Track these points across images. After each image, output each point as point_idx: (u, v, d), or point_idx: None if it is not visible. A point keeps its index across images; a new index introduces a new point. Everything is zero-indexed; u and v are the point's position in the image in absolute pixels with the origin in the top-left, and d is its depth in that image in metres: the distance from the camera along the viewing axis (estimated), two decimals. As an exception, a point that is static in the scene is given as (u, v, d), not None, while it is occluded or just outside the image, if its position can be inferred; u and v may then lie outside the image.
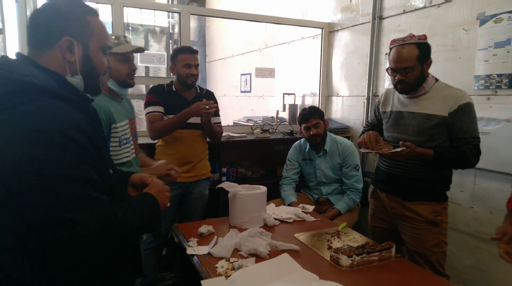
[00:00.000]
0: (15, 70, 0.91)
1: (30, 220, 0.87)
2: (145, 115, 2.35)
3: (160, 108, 2.35)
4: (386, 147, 1.76)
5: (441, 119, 1.79)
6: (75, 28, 0.99)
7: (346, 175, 2.68)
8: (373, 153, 1.83)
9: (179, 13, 3.04)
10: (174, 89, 2.45)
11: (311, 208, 2.29)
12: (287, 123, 3.64)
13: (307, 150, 2.78)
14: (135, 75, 1.82)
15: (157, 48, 7.17)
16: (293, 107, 4.05)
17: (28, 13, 2.56)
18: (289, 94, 4.38)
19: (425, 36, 1.80)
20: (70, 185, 0.87)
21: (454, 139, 1.80)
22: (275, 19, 4.21)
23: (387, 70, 1.89)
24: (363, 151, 1.84)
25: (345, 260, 1.47)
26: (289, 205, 2.55)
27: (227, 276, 1.38)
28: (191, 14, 3.15)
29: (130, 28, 6.82)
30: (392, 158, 1.84)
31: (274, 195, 2.78)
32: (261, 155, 3.39)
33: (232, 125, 3.71)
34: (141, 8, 2.94)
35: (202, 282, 1.22)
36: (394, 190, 1.95)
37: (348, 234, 1.86)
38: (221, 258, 1.56)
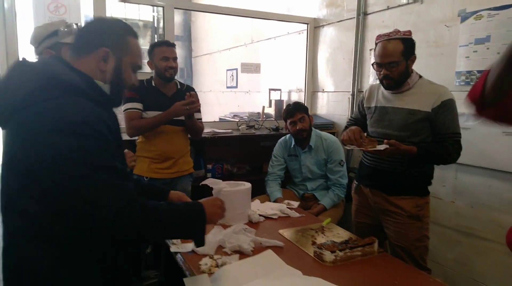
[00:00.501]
0: (48, 68, 1.02)
1: (54, 204, 0.95)
2: (123, 111, 2.31)
3: (138, 105, 2.31)
4: (370, 144, 1.77)
5: (424, 114, 1.81)
6: (114, 43, 1.10)
7: (331, 170, 2.70)
8: (358, 149, 1.84)
9: (163, 7, 2.99)
10: (153, 84, 2.41)
11: (296, 204, 2.30)
12: (273, 119, 3.63)
13: (292, 146, 2.78)
14: None
15: (141, 43, 7.05)
16: (279, 102, 4.04)
17: (6, 6, 2.49)
18: (275, 89, 4.38)
19: (410, 32, 1.81)
20: (95, 171, 0.94)
21: (436, 134, 1.82)
22: (261, 14, 4.18)
23: (372, 65, 1.89)
24: (348, 148, 1.85)
25: (328, 256, 1.48)
26: (275, 201, 2.55)
27: (210, 274, 1.38)
28: (175, 8, 3.12)
29: (114, 22, 6.70)
30: (378, 155, 1.85)
31: (260, 191, 2.77)
32: (247, 151, 3.38)
33: (217, 121, 3.69)
34: (124, 2, 2.87)
35: (185, 280, 1.21)
36: (378, 185, 1.97)
37: (332, 229, 1.87)
38: (205, 256, 1.55)
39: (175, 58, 2.36)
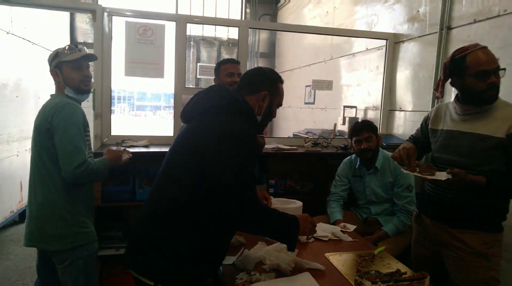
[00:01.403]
0: (234, 94, 1.46)
1: (204, 194, 1.27)
2: None
3: None
4: (428, 171, 1.62)
5: (497, 141, 1.60)
6: (270, 88, 1.50)
7: (397, 195, 2.52)
8: (415, 175, 1.68)
9: (238, 27, 3.15)
10: None
11: (352, 227, 2.19)
12: (343, 137, 3.53)
13: (357, 166, 2.67)
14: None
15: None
16: (353, 120, 3.91)
17: (106, 30, 2.86)
18: (350, 107, 4.26)
19: None
20: (243, 172, 1.30)
21: (511, 165, 1.60)
22: (339, 31, 4.15)
23: (466, 77, 1.62)
24: (404, 171, 1.72)
25: (368, 286, 1.39)
26: (334, 222, 2.47)
27: (242, 288, 1.39)
28: (251, 28, 3.25)
29: (203, 41, 7.23)
30: (437, 185, 1.69)
31: (322, 211, 2.71)
32: (312, 169, 3.33)
33: (287, 137, 3.71)
34: (203, 24, 3.10)
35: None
36: (440, 215, 1.78)
37: (384, 259, 1.74)
38: (244, 270, 1.57)
39: (239, 74, 2.47)
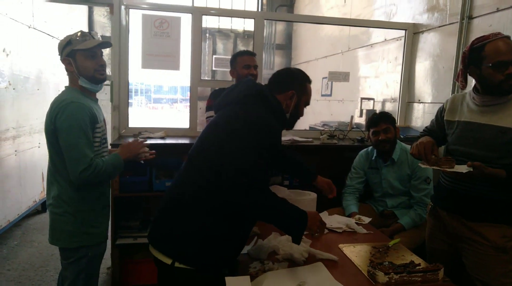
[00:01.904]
0: (262, 87, 1.53)
1: (224, 177, 1.31)
2: (206, 118, 2.50)
3: None
4: (447, 164, 1.58)
5: None
6: (298, 87, 1.56)
7: (415, 188, 2.48)
8: (433, 168, 1.64)
9: (254, 19, 3.13)
10: None
11: (367, 220, 2.18)
12: (360, 130, 3.49)
13: (373, 158, 2.64)
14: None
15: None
16: (370, 112, 3.86)
17: (123, 23, 2.90)
18: (368, 99, 4.20)
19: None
20: (261, 159, 1.35)
21: None
22: (357, 21, 4.09)
23: (483, 68, 1.58)
24: (422, 166, 1.68)
25: (381, 277, 1.38)
26: (349, 215, 2.45)
27: (255, 277, 1.41)
28: (266, 19, 3.24)
29: (219, 33, 7.23)
30: (457, 177, 1.65)
31: (338, 203, 2.70)
32: (328, 162, 3.30)
33: (303, 130, 3.70)
34: (218, 16, 3.10)
35: (226, 278, 1.25)
36: (457, 208, 1.75)
37: (399, 251, 1.73)
38: (257, 260, 1.59)
39: (255, 66, 2.48)
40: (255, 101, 1.47)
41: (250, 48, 3.04)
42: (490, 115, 1.64)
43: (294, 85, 1.55)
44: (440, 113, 1.90)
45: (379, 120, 2.52)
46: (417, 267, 1.44)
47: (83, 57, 1.72)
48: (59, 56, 1.76)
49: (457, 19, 2.88)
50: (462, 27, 2.84)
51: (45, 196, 1.77)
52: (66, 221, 1.70)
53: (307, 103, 1.62)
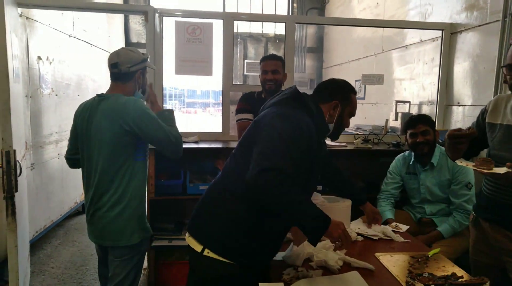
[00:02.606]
0: (302, 94, 1.55)
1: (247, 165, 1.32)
2: (236, 121, 2.52)
3: (249, 115, 2.50)
4: (485, 165, 1.49)
5: None
6: (342, 98, 1.55)
7: (454, 193, 2.38)
8: (472, 168, 1.55)
9: (285, 23, 3.13)
10: (263, 96, 2.59)
11: (404, 228, 2.11)
12: (396, 134, 3.39)
13: (411, 162, 2.56)
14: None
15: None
16: (406, 116, 3.74)
17: (157, 30, 2.98)
18: (403, 102, 4.09)
19: None
20: (288, 148, 1.32)
21: None
22: (391, 23, 4.00)
23: (501, 68, 1.60)
24: (458, 163, 1.61)
25: (420, 289, 1.33)
26: (384, 222, 2.38)
27: (289, 284, 1.40)
28: (297, 23, 3.23)
29: (250, 38, 7.27)
30: (495, 180, 1.57)
31: (372, 210, 2.64)
32: (363, 167, 3.24)
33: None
34: (249, 21, 3.12)
35: (260, 284, 1.26)
36: (499, 219, 1.64)
37: (439, 261, 1.66)
38: (292, 266, 1.58)
39: (274, 71, 2.47)
40: (295, 104, 1.49)
41: (281, 52, 3.04)
42: None
43: (338, 96, 1.55)
44: (482, 114, 1.79)
45: (418, 122, 2.44)
46: (460, 280, 1.38)
47: (144, 74, 1.96)
48: (128, 67, 1.86)
49: (498, 17, 2.75)
50: (504, 25, 2.70)
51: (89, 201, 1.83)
52: (128, 219, 1.80)
53: (352, 114, 1.61)
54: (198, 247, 1.43)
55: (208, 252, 1.41)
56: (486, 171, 1.47)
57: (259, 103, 2.50)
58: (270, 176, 1.24)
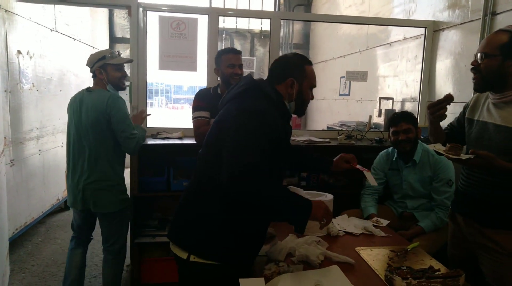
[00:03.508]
0: (260, 82, 1.49)
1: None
2: (192, 119, 2.46)
3: (205, 113, 2.42)
4: (453, 151, 1.51)
5: None
6: (296, 73, 1.49)
7: (436, 190, 2.43)
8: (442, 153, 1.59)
9: (270, 19, 3.13)
10: (219, 92, 2.51)
11: (385, 222, 2.14)
12: (379, 130, 3.43)
13: (394, 159, 2.59)
14: None
15: (262, 52, 7.47)
16: (389, 112, 3.80)
17: (141, 25, 2.94)
18: (387, 98, 4.13)
19: None
20: (259, 146, 1.29)
21: None
22: (375, 20, 4.03)
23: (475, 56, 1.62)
24: (430, 147, 1.66)
25: (399, 282, 1.35)
26: (367, 217, 2.42)
27: (270, 279, 1.40)
28: (283, 19, 3.22)
29: (236, 34, 7.24)
30: (468, 166, 1.60)
31: (356, 205, 2.67)
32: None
33: (320, 130, 3.67)
34: (234, 17, 3.11)
35: (240, 280, 1.26)
36: (471, 213, 1.68)
37: (418, 255, 1.69)
38: (274, 261, 1.58)
39: (240, 65, 2.43)
40: (254, 94, 1.43)
41: (267, 49, 3.03)
42: (505, 115, 1.56)
43: (292, 72, 1.49)
44: (464, 109, 1.82)
45: (400, 120, 2.47)
46: (437, 273, 1.40)
47: (113, 70, 2.32)
48: (90, 67, 2.32)
49: (479, 15, 2.80)
50: (484, 24, 2.76)
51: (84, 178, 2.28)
52: (117, 191, 2.32)
53: (313, 86, 1.54)
54: (183, 254, 1.41)
55: (194, 258, 1.38)
56: (451, 156, 1.51)
57: (216, 99, 2.44)
58: (246, 174, 1.24)
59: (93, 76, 2.33)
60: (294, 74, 1.49)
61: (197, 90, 2.72)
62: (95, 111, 2.20)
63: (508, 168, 1.47)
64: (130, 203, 2.47)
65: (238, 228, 1.40)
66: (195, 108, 2.51)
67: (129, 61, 2.49)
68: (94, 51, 5.30)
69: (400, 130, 2.44)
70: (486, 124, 1.63)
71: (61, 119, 4.32)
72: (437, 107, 1.64)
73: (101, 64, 2.27)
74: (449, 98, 1.62)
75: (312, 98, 1.56)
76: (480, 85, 1.60)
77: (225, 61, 2.44)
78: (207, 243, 1.38)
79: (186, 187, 1.56)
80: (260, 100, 1.41)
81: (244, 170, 1.24)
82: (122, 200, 2.34)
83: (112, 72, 2.30)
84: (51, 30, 4.16)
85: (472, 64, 1.59)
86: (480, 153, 1.45)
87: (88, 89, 2.31)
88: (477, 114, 1.70)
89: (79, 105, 2.25)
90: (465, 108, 1.83)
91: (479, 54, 1.56)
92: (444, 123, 1.81)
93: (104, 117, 2.20)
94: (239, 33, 7.29)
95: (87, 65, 2.32)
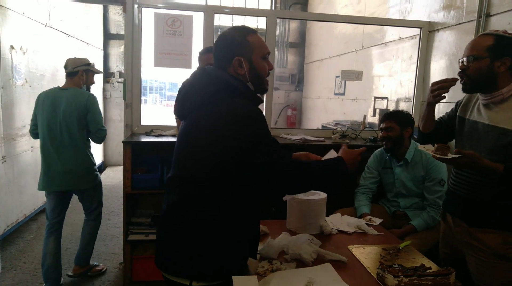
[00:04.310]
0: (223, 76, 1.32)
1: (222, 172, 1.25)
2: (175, 119, 2.47)
3: None
4: (441, 151, 1.53)
5: None
6: (240, 49, 1.32)
7: (428, 189, 2.44)
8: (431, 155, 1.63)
9: (266, 17, 3.12)
10: None
11: (378, 221, 2.15)
12: (373, 130, 3.45)
13: (387, 157, 2.61)
14: None
15: (257, 50, 7.46)
16: (384, 112, 3.80)
17: (136, 22, 2.93)
18: (381, 98, 4.15)
19: None
20: (263, 147, 1.24)
21: None
22: (371, 19, 4.04)
23: (458, 61, 1.65)
24: (419, 147, 1.69)
25: (390, 280, 1.36)
26: (360, 216, 2.43)
27: (263, 277, 1.40)
28: (279, 18, 3.22)
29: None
30: (455, 166, 1.64)
31: (350, 204, 2.68)
32: (340, 161, 3.28)
33: (315, 129, 3.67)
34: (230, 14, 3.10)
35: (234, 278, 1.25)
36: (459, 212, 1.71)
37: (409, 253, 1.70)
38: (267, 259, 1.59)
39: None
40: (226, 94, 1.30)
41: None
42: (493, 115, 1.59)
43: (235, 50, 1.32)
44: (456, 106, 1.84)
45: (384, 118, 2.54)
46: (428, 271, 1.41)
47: (92, 76, 2.91)
48: (73, 67, 2.75)
49: (474, 17, 2.81)
50: (479, 25, 2.77)
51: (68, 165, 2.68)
52: (93, 171, 2.83)
53: (264, 56, 1.36)
54: (183, 281, 1.30)
55: (196, 283, 1.29)
56: (438, 156, 1.53)
57: None
58: (277, 167, 1.23)
59: (70, 75, 2.75)
60: (239, 51, 1.32)
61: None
62: (75, 105, 2.64)
63: (492, 167, 1.49)
64: (99, 177, 2.94)
65: (237, 232, 1.32)
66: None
67: (100, 72, 3.15)
68: (88, 47, 5.26)
69: (383, 128, 2.49)
70: (476, 123, 1.65)
71: (54, 116, 4.28)
72: (440, 85, 1.66)
73: (85, 69, 2.79)
74: (454, 80, 1.64)
75: (271, 67, 1.40)
76: (470, 87, 1.62)
77: (205, 60, 2.41)
78: (211, 263, 1.28)
79: (166, 205, 1.38)
80: (231, 98, 1.30)
81: (272, 164, 1.23)
82: (95, 176, 2.84)
83: (91, 77, 2.88)
84: (45, 26, 4.12)
85: (460, 68, 1.61)
86: (465, 153, 1.48)
87: (60, 87, 2.76)
88: (468, 113, 1.73)
89: (53, 101, 2.65)
90: (457, 105, 1.84)
91: (466, 58, 1.59)
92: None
93: (83, 111, 2.66)
94: (235, 31, 7.26)
95: (68, 65, 2.74)
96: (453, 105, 1.91)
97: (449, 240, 1.82)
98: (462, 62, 1.60)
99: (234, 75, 1.33)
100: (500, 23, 2.62)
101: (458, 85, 2.64)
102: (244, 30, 1.35)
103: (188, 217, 1.30)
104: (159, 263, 1.37)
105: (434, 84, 1.68)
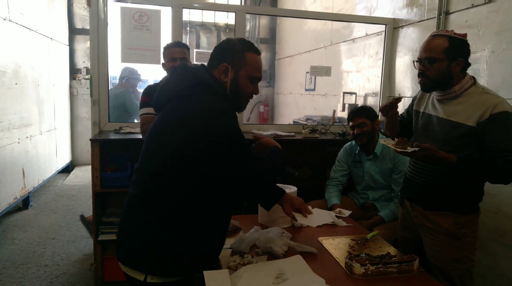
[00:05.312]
0: (199, 73, 1.34)
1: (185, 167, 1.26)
2: (140, 116, 2.37)
3: (152, 109, 2.25)
4: (401, 145, 1.66)
5: (468, 129, 1.63)
6: (233, 58, 1.34)
7: (395, 181, 2.53)
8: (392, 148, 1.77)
9: (235, 12, 3.12)
10: None
11: (347, 213, 2.21)
12: (342, 124, 3.53)
13: (357, 151, 2.69)
14: None
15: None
16: (352, 107, 3.90)
17: (102, 16, 2.85)
18: (350, 93, 4.25)
19: (465, 35, 1.66)
20: (238, 142, 1.29)
21: (484, 151, 1.63)
22: (338, 16, 4.11)
23: (413, 62, 1.75)
24: (381, 142, 1.86)
25: (358, 268, 1.41)
26: (330, 207, 2.50)
27: (235, 270, 1.42)
28: (246, 13, 3.23)
29: (202, 27, 7.16)
30: (415, 158, 1.75)
31: (320, 197, 2.74)
32: (310, 156, 3.34)
33: (287, 124, 3.72)
34: (199, 9, 3.08)
35: (205, 272, 1.26)
36: (416, 198, 1.85)
37: (377, 243, 1.77)
38: (238, 253, 1.60)
39: (182, 59, 2.30)
40: (198, 91, 1.31)
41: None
42: (447, 109, 1.71)
43: (228, 57, 1.33)
44: (412, 101, 1.97)
45: (355, 115, 2.59)
46: (393, 258, 1.47)
47: None
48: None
49: (434, 14, 2.93)
50: (439, 22, 2.89)
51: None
52: None
53: (253, 78, 1.36)
54: (139, 276, 1.28)
55: (152, 278, 1.26)
56: (399, 150, 1.65)
57: None
58: (249, 159, 1.34)
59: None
60: (230, 59, 1.33)
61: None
62: None
63: (447, 158, 1.63)
64: None
65: (198, 229, 1.30)
66: (142, 104, 2.39)
67: None
68: (52, 43, 5.10)
69: (355, 125, 2.55)
70: (431, 116, 1.78)
71: (17, 114, 4.11)
72: (387, 110, 1.83)
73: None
74: (397, 100, 1.79)
75: (255, 91, 1.39)
76: (429, 86, 1.73)
77: (168, 55, 2.37)
78: (169, 258, 1.26)
79: (129, 196, 1.37)
80: (209, 96, 1.31)
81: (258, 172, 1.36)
82: None
83: None
84: (4, 19, 3.94)
85: (419, 69, 1.70)
86: (423, 146, 1.61)
87: None
88: (423, 107, 1.85)
89: None
90: (413, 100, 1.97)
91: (426, 60, 1.67)
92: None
93: None
94: (204, 26, 7.20)
95: None
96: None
97: (407, 224, 1.96)
98: (422, 64, 1.69)
99: (217, 78, 1.35)
100: (458, 21, 2.74)
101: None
102: (247, 45, 1.38)
103: (146, 210, 1.29)
104: (117, 254, 1.37)
105: (381, 110, 1.87)
